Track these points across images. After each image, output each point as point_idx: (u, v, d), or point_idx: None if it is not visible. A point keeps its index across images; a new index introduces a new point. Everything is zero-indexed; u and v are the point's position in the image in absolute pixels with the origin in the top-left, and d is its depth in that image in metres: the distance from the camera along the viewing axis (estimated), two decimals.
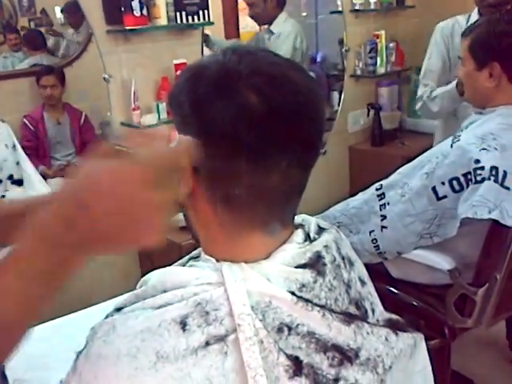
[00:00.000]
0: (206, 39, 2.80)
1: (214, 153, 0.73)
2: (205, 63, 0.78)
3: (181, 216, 2.52)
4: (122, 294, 1.71)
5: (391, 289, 2.06)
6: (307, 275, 0.77)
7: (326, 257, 0.81)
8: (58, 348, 1.46)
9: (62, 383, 0.73)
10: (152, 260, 2.50)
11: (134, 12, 2.21)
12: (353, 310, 0.82)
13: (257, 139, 0.72)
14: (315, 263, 0.79)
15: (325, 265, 0.80)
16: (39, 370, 1.38)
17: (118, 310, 0.79)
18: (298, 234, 0.83)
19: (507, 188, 1.65)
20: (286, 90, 0.73)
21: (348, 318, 0.79)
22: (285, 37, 3.19)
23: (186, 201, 0.80)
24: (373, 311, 0.88)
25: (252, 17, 3.28)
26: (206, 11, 2.48)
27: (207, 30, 2.75)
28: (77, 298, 2.16)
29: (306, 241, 0.83)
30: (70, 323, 1.75)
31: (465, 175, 1.73)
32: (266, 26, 3.31)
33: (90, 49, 2.36)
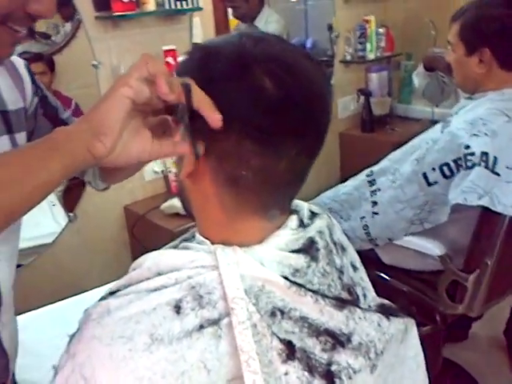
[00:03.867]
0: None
1: (224, 133, 0.73)
2: (220, 44, 0.78)
3: (172, 203, 2.51)
4: (113, 281, 1.73)
5: (382, 275, 2.07)
6: (301, 260, 0.78)
7: (319, 242, 0.82)
8: (50, 334, 1.49)
9: (55, 368, 0.73)
10: (144, 246, 2.49)
11: None
12: (345, 295, 0.83)
13: (270, 124, 0.72)
14: (308, 249, 0.80)
15: (318, 250, 0.81)
16: (31, 355, 1.39)
17: (112, 293, 0.79)
18: (292, 220, 0.83)
19: (497, 174, 1.65)
20: (300, 78, 0.74)
21: (340, 303, 0.80)
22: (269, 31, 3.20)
23: (186, 179, 0.80)
24: (364, 296, 0.89)
25: (236, 17, 3.31)
26: None
27: (196, 17, 2.72)
28: (68, 285, 2.18)
29: (300, 227, 0.84)
30: (61, 309, 1.77)
31: (455, 161, 1.73)
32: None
33: (80, 35, 2.34)
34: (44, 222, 2.40)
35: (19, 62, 1.09)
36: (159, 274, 0.75)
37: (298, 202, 0.89)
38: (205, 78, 0.73)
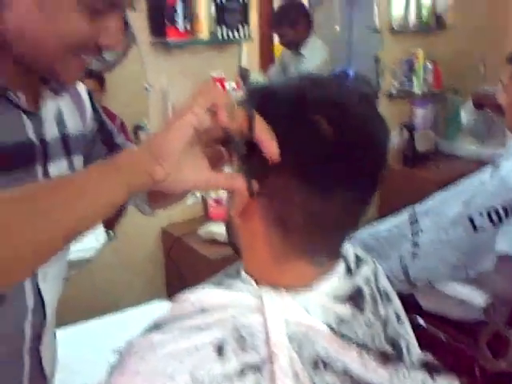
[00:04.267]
0: (245, 76, 2.84)
1: (278, 174, 0.73)
2: (280, 86, 0.79)
3: (209, 229, 2.51)
4: (148, 301, 1.72)
5: (419, 321, 2.03)
6: (346, 309, 0.78)
7: (365, 291, 0.82)
8: (84, 351, 1.50)
9: None
10: (179, 268, 2.51)
11: (178, 26, 2.26)
12: (389, 348, 0.82)
13: (324, 167, 0.72)
14: (355, 297, 0.80)
15: (364, 299, 0.81)
16: (63, 372, 1.39)
17: (156, 327, 0.78)
18: (340, 266, 0.82)
19: None
20: (358, 123, 0.74)
21: (384, 358, 0.78)
22: (313, 59, 3.23)
23: (237, 216, 0.80)
24: (408, 351, 0.87)
25: (283, 44, 3.34)
26: (245, 26, 2.52)
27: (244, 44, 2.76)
28: (104, 302, 2.20)
29: (346, 273, 0.83)
30: (96, 327, 1.77)
31: (504, 207, 1.70)
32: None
33: (131, 56, 2.38)
34: (84, 238, 2.42)
35: (82, 88, 1.14)
36: (203, 312, 0.75)
37: (345, 246, 0.87)
38: (263, 118, 0.74)
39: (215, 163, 0.80)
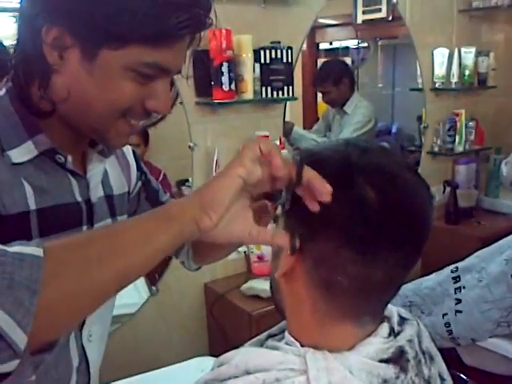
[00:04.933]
0: (289, 129, 2.91)
1: (324, 238, 0.74)
2: (326, 151, 0.80)
3: (251, 284, 2.52)
4: (190, 358, 1.72)
5: (463, 376, 2.00)
6: (390, 371, 0.77)
7: (409, 352, 0.81)
8: None
9: None
10: (221, 326, 2.51)
11: (223, 86, 2.28)
12: None
13: (368, 233, 0.73)
14: (398, 359, 0.79)
15: (408, 361, 0.80)
16: None
17: None
18: (383, 328, 0.82)
19: None
20: (403, 190, 0.76)
21: None
22: (356, 117, 3.26)
23: (281, 278, 0.81)
24: None
25: (326, 102, 3.37)
26: (290, 87, 2.54)
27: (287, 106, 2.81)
28: (146, 358, 2.20)
29: (390, 335, 0.83)
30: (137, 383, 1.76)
31: None
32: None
33: (176, 113, 2.43)
34: (127, 293, 2.43)
35: (128, 149, 1.16)
36: (247, 373, 0.76)
37: (388, 307, 0.88)
38: None
39: (260, 218, 0.82)
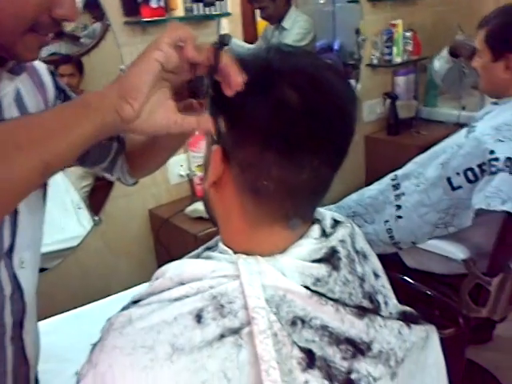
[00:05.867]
0: (226, 40, 2.82)
1: (248, 143, 0.74)
2: (248, 57, 0.79)
3: (196, 206, 2.53)
4: (138, 285, 1.75)
5: (406, 278, 2.07)
6: (322, 270, 0.78)
7: (341, 251, 0.82)
8: (74, 339, 1.48)
9: (78, 375, 0.73)
10: (168, 250, 2.52)
11: (151, 3, 2.22)
12: (366, 303, 0.83)
13: (292, 135, 0.73)
14: (330, 258, 0.80)
15: (340, 259, 0.81)
16: (54, 361, 1.39)
17: (135, 302, 0.80)
18: (314, 230, 0.84)
19: None
20: (325, 91, 0.75)
21: (361, 311, 0.80)
22: (295, 32, 3.22)
23: (211, 188, 0.81)
24: (386, 304, 0.89)
25: (264, 18, 3.30)
26: (222, 1, 2.49)
27: (224, 20, 2.74)
28: (93, 288, 2.19)
29: (322, 236, 0.84)
30: (86, 314, 1.77)
31: (480, 166, 1.74)
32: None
33: (108, 37, 2.35)
34: (70, 226, 2.41)
35: (42, 68, 1.11)
36: (181, 284, 0.76)
37: (321, 211, 0.89)
38: None
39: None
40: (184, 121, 0.77)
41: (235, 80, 0.72)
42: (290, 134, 0.73)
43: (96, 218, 2.49)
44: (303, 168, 0.75)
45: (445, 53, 2.71)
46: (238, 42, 2.99)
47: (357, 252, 0.87)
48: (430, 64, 3.50)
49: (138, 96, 0.72)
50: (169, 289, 0.77)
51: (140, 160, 1.22)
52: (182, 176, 2.70)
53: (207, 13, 2.46)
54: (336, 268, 0.80)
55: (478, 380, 2.48)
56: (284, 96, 0.72)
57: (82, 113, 0.73)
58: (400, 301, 0.94)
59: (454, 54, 2.67)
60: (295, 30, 3.21)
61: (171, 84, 0.79)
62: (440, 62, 2.77)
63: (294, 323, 0.74)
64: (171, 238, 2.54)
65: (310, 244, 0.81)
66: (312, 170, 0.76)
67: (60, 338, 1.54)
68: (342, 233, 0.85)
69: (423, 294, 2.02)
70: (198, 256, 0.88)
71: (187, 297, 0.74)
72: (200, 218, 2.39)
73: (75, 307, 1.82)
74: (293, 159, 0.74)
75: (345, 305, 0.78)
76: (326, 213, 0.90)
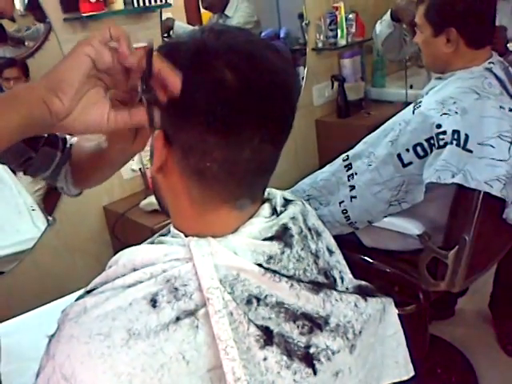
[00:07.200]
0: (169, 25, 2.80)
1: (188, 125, 0.74)
2: (183, 39, 0.78)
3: (150, 200, 2.49)
4: None
5: (365, 258, 2.09)
6: (274, 247, 0.79)
7: (292, 228, 0.83)
8: (35, 339, 1.44)
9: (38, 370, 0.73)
10: (125, 245, 2.48)
11: None
12: (321, 279, 0.84)
13: (230, 114, 0.72)
14: (282, 235, 0.81)
15: (292, 236, 0.82)
16: (16, 361, 1.39)
17: (89, 292, 0.79)
18: (265, 208, 0.84)
19: (470, 151, 1.67)
20: (261, 68, 0.74)
21: (316, 286, 0.82)
22: (238, 20, 3.20)
23: (158, 175, 0.81)
24: (342, 279, 0.90)
25: (206, 8, 3.27)
26: None
27: (168, 13, 2.71)
28: (51, 288, 2.16)
29: (272, 214, 0.85)
30: (45, 314, 1.75)
31: (428, 140, 1.75)
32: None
33: (52, 38, 2.31)
34: (24, 228, 2.37)
35: None
36: (134, 270, 0.76)
37: (271, 191, 0.90)
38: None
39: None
40: (117, 116, 0.76)
41: (172, 82, 0.71)
42: (227, 113, 0.72)
43: (50, 218, 2.45)
44: (244, 147, 0.75)
45: (387, 16, 2.72)
46: (184, 25, 2.96)
47: (309, 229, 0.88)
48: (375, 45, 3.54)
49: (67, 90, 0.71)
50: (122, 275, 0.77)
51: (86, 172, 1.21)
52: (134, 170, 2.68)
53: (147, 4, 2.42)
54: (288, 245, 0.81)
55: (444, 354, 2.53)
56: (218, 75, 0.71)
57: (10, 104, 0.72)
58: (357, 279, 0.95)
59: (396, 18, 2.68)
60: (238, 15, 3.20)
61: (108, 86, 0.77)
62: (381, 26, 2.78)
63: (249, 302, 0.75)
64: (128, 233, 2.53)
65: (261, 222, 0.81)
66: (253, 149, 0.75)
67: (21, 339, 1.55)
68: (292, 210, 0.86)
69: (383, 272, 2.04)
70: (151, 243, 0.88)
71: (141, 282, 0.74)
72: (155, 211, 2.38)
73: (35, 308, 1.81)
74: (232, 139, 0.74)
75: (299, 281, 0.80)
76: (277, 192, 0.91)
